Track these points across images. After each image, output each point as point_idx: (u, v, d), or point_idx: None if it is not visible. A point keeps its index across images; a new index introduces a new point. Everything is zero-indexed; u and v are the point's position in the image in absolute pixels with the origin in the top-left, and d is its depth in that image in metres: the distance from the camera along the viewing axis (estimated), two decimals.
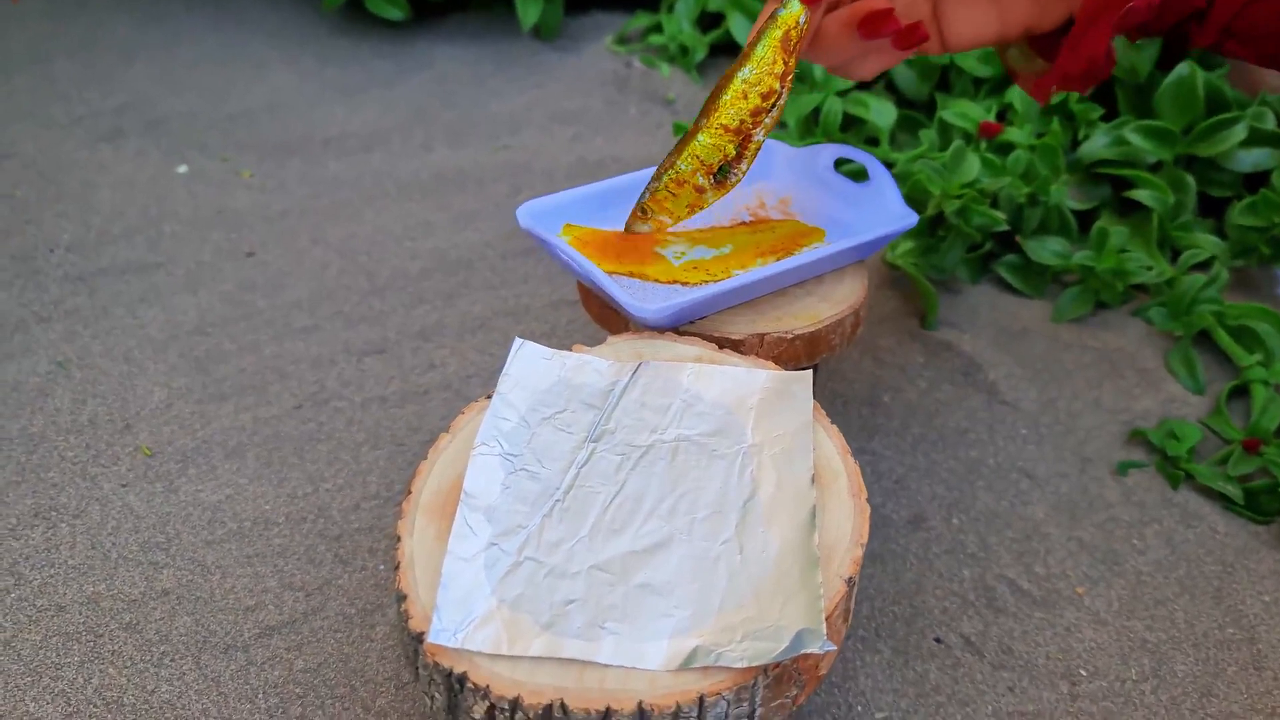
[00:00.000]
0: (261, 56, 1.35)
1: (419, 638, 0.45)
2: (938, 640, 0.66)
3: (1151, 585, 0.69)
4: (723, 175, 0.60)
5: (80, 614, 0.66)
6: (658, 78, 1.28)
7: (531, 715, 0.43)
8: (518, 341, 0.58)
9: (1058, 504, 0.75)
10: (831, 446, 0.54)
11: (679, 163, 0.60)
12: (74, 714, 0.60)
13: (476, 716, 0.44)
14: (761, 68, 0.57)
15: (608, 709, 0.43)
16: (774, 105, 0.58)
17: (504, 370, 0.57)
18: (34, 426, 0.79)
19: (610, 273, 0.63)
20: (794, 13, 0.56)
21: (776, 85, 0.58)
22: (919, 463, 0.77)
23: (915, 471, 0.77)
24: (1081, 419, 0.81)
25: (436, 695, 0.45)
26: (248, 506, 0.73)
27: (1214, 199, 0.97)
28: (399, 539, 0.49)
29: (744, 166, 0.60)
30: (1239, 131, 0.92)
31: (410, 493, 0.51)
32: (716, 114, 0.58)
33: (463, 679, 0.44)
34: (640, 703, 0.43)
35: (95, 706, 0.60)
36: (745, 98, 0.58)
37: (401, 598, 0.47)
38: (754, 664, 0.44)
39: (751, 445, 0.54)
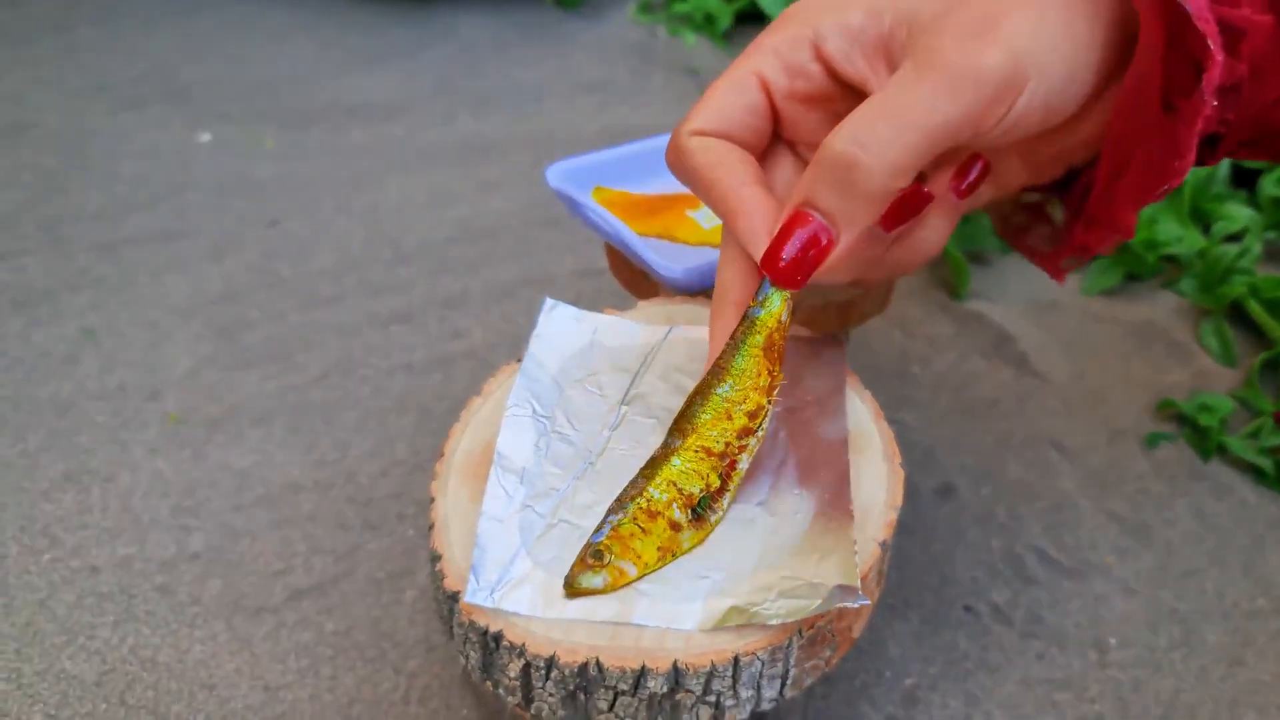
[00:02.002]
0: (283, 26, 1.35)
1: (454, 597, 0.45)
2: (967, 609, 0.65)
3: (1181, 556, 0.69)
4: (702, 510, 0.47)
5: (113, 575, 0.66)
6: (682, 47, 1.27)
7: (567, 673, 0.43)
8: (549, 302, 0.57)
9: (1087, 475, 0.74)
10: (865, 411, 0.54)
11: (650, 489, 0.47)
12: (110, 672, 0.61)
13: (512, 674, 0.44)
14: (744, 382, 0.48)
15: (643, 667, 0.43)
16: (760, 425, 0.48)
17: (535, 331, 0.56)
18: (63, 393, 0.80)
19: (640, 234, 0.63)
20: (774, 312, 0.47)
21: (764, 401, 0.48)
22: (948, 434, 0.77)
23: (944, 442, 0.76)
24: (1112, 391, 0.81)
25: (472, 654, 0.46)
26: (275, 473, 0.73)
27: (1246, 170, 0.96)
28: (432, 499, 0.49)
29: (725, 502, 0.48)
30: None
31: (443, 455, 0.51)
32: (695, 435, 0.48)
33: (499, 637, 0.44)
34: (675, 661, 0.43)
35: (130, 665, 0.61)
36: (729, 417, 0.48)
37: (436, 558, 0.47)
38: (789, 620, 0.44)
39: (785, 409, 0.53)
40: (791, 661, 0.45)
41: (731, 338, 0.48)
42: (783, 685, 0.46)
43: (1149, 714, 0.60)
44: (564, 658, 0.43)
